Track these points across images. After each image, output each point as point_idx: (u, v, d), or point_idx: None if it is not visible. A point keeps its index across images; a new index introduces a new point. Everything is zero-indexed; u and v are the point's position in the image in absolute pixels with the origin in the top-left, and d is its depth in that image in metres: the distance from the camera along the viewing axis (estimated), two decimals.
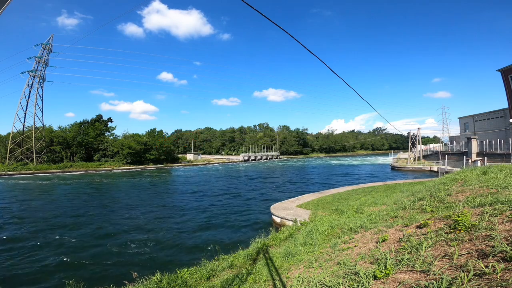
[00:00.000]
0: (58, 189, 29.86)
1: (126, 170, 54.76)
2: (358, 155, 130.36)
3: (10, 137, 52.99)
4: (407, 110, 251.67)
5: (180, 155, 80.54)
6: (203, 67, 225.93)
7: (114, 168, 56.07)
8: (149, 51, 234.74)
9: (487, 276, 2.25)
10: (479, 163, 25.56)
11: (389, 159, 69.21)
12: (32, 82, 54.91)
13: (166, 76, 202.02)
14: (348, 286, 3.05)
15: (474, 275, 2.30)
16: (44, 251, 11.19)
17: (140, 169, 56.77)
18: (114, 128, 69.45)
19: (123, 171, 53.28)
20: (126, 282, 6.47)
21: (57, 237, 13.02)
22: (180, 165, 67.05)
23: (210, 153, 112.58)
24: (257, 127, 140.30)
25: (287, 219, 12.22)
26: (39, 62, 55.70)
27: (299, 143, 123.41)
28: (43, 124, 57.90)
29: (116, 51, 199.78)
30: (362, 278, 3.03)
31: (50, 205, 20.97)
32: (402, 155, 73.88)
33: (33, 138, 53.25)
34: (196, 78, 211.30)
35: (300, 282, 3.85)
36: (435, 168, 40.26)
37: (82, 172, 51.23)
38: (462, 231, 3.43)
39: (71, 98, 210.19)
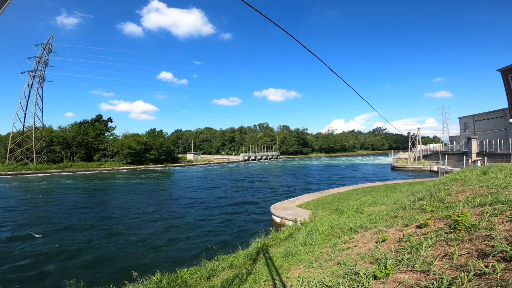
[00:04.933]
0: (58, 189, 29.85)
1: (126, 170, 54.78)
2: (358, 155, 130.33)
3: (10, 137, 52.97)
4: (407, 110, 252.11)
5: (180, 155, 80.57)
6: (203, 66, 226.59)
7: (114, 168, 56.06)
8: (149, 51, 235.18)
9: (487, 276, 2.25)
10: (479, 163, 25.56)
11: (389, 159, 69.23)
12: (32, 82, 54.98)
13: (166, 75, 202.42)
14: (348, 286, 3.04)
15: (474, 275, 2.30)
16: (43, 251, 11.19)
17: (140, 169, 56.77)
18: (114, 128, 69.60)
19: (123, 171, 53.28)
20: (126, 282, 6.47)
21: (56, 237, 13.02)
22: (180, 165, 67.05)
23: (210, 153, 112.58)
24: (257, 127, 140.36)
25: (287, 219, 12.22)
26: (39, 62, 55.69)
27: (299, 143, 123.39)
28: (43, 124, 57.98)
29: (116, 51, 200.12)
30: (362, 278, 3.02)
31: (49, 205, 20.96)
32: (402, 155, 73.86)
33: (33, 138, 53.23)
34: (196, 77, 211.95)
35: (300, 282, 3.85)
36: (435, 168, 40.26)
37: (82, 172, 51.23)
38: (462, 231, 3.43)
39: (71, 98, 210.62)
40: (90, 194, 26.43)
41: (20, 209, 19.74)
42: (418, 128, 55.06)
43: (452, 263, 2.69)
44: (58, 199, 23.33)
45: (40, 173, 47.15)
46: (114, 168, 55.97)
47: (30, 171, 47.45)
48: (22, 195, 26.30)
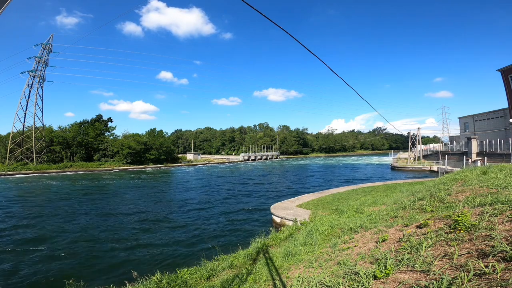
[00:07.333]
0: (57, 189, 29.85)
1: (126, 170, 54.77)
2: (358, 155, 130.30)
3: (10, 137, 52.95)
4: (407, 110, 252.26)
5: (180, 155, 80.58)
6: (203, 66, 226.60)
7: (114, 168, 56.05)
8: (149, 51, 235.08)
9: (487, 276, 2.25)
10: (479, 163, 25.55)
11: (389, 159, 69.22)
12: (32, 82, 54.97)
13: (165, 75, 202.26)
14: (348, 286, 3.04)
15: (474, 275, 2.30)
16: (43, 251, 11.19)
17: (140, 169, 56.77)
18: (114, 128, 69.62)
19: (123, 171, 53.28)
20: (126, 282, 6.47)
21: (56, 237, 13.02)
22: (180, 165, 67.06)
23: (210, 153, 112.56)
24: (257, 127, 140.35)
25: (287, 219, 12.21)
26: (39, 62, 55.68)
27: (299, 143, 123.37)
28: (43, 124, 57.97)
29: (116, 50, 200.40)
30: (362, 278, 3.02)
31: (48, 205, 20.96)
32: (402, 155, 73.86)
33: (33, 138, 53.22)
34: (196, 77, 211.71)
35: (300, 282, 3.85)
36: (435, 168, 40.24)
37: (82, 172, 51.23)
38: (462, 231, 3.43)
39: (71, 98, 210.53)
40: (89, 194, 26.42)
41: (19, 209, 19.73)
42: (418, 128, 55.09)
43: (452, 263, 2.69)
44: (57, 200, 23.32)
45: (40, 173, 47.13)
46: (114, 168, 55.94)
47: (30, 171, 47.43)
48: (22, 195, 26.28)
